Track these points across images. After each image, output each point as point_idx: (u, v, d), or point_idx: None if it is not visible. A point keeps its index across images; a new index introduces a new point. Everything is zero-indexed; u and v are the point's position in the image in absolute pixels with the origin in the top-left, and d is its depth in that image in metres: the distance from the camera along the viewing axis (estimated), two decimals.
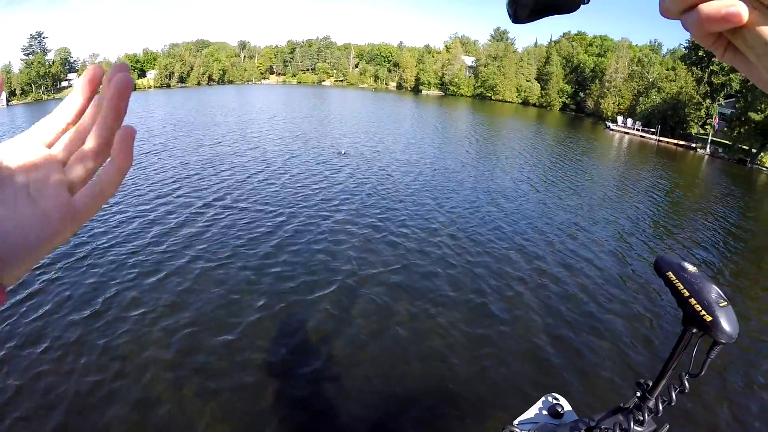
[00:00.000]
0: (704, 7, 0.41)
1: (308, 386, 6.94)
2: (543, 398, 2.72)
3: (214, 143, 26.02)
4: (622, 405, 2.34)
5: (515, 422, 2.58)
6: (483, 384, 7.21)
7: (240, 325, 8.20)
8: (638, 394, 2.23)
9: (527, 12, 0.59)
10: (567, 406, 2.63)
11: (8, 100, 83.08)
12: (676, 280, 1.89)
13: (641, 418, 2.15)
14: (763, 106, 39.18)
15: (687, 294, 1.84)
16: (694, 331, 1.88)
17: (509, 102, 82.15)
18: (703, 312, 1.78)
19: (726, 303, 1.81)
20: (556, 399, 2.67)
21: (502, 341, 8.31)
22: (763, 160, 39.53)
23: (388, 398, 6.87)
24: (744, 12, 0.40)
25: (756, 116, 39.12)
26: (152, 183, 16.97)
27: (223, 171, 19.46)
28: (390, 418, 6.50)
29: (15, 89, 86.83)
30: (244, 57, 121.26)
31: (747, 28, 0.42)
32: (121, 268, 10.09)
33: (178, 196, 15.35)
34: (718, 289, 1.84)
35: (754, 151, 40.47)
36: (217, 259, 10.59)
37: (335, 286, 9.78)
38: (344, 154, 24.59)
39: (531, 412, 2.66)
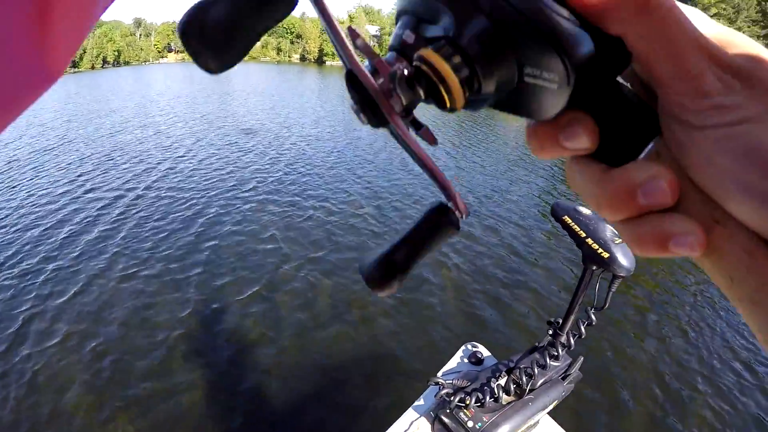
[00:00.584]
0: (648, 234, 0.30)
1: (247, 390, 6.87)
2: (463, 347, 2.80)
3: (115, 132, 24.55)
4: (537, 344, 2.45)
5: (439, 374, 2.66)
6: (405, 346, 7.36)
7: (167, 339, 7.85)
8: (550, 332, 2.35)
9: None
10: (486, 352, 2.73)
11: None
12: (572, 223, 1.96)
13: (556, 353, 2.28)
14: None
15: (584, 235, 1.91)
16: (594, 268, 1.98)
17: None
18: (600, 250, 1.87)
19: (620, 240, 1.89)
20: (476, 347, 2.77)
21: (420, 303, 8.49)
22: None
23: (313, 379, 6.91)
24: (701, 242, 0.29)
25: None
26: (51, 183, 15.72)
27: (127, 162, 18.09)
28: (317, 398, 6.55)
29: None
30: (140, 35, 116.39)
31: (706, 255, 0.31)
32: (27, 287, 9.28)
33: (79, 196, 14.11)
34: (612, 228, 1.92)
35: None
36: (134, 263, 9.92)
37: (264, 276, 9.62)
38: (251, 131, 24.02)
39: (453, 362, 2.74)
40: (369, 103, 0.37)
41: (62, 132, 25.24)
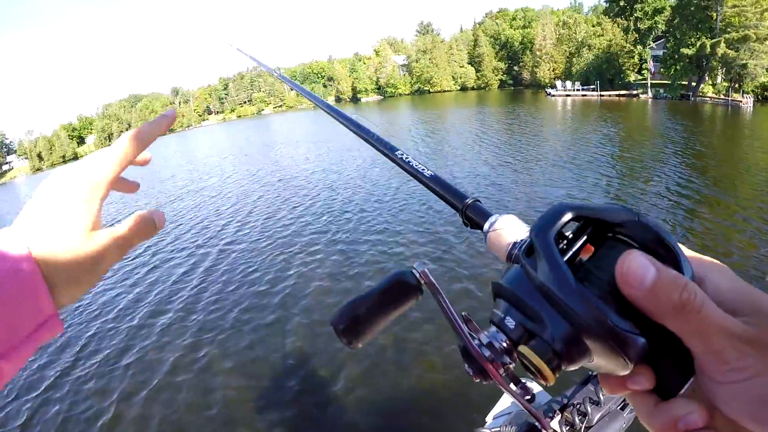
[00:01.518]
0: None
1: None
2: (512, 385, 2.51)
3: (173, 199, 24.55)
4: (591, 373, 2.17)
5: (488, 417, 2.40)
6: (451, 389, 7.04)
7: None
8: None
9: None
10: (537, 388, 2.44)
11: None
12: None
13: None
14: (693, 40, 40.48)
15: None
16: None
17: (448, 91, 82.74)
18: None
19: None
20: (526, 383, 2.49)
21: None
22: (704, 90, 40.59)
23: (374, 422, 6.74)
24: None
25: (688, 51, 40.15)
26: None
27: (188, 230, 18.03)
28: None
29: None
30: (180, 102, 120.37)
31: None
32: (114, 367, 9.10)
33: (148, 272, 14.07)
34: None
35: (693, 84, 41.47)
36: (220, 338, 9.56)
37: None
38: (297, 183, 23.81)
39: (503, 403, 2.49)
40: (481, 369, 0.52)
41: (117, 208, 24.96)
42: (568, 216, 0.49)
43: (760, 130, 25.61)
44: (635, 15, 52.94)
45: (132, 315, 11.20)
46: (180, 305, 11.18)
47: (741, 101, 35.45)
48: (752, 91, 36.87)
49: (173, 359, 8.93)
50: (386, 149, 0.98)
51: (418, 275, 0.60)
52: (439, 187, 0.81)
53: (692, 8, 41.22)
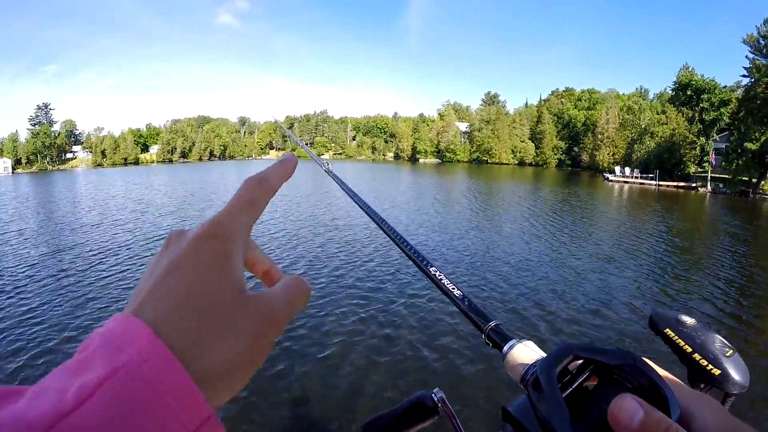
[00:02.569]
0: None
1: None
2: None
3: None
4: None
5: None
6: None
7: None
8: None
9: None
10: None
11: (13, 168, 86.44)
12: (675, 337, 1.34)
13: None
14: (757, 134, 39.82)
15: (690, 350, 1.24)
16: (702, 386, 1.42)
17: (505, 164, 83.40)
18: (710, 366, 1.20)
19: (732, 351, 1.37)
20: None
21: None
22: (765, 188, 40.02)
23: None
24: None
25: (751, 146, 39.73)
26: None
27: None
28: None
29: (21, 158, 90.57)
30: (245, 133, 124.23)
31: None
32: None
33: None
34: (721, 338, 1.36)
35: (754, 181, 40.98)
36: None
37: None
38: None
39: None
40: None
41: (174, 221, 25.30)
42: (570, 357, 0.55)
43: None
44: (701, 105, 52.20)
45: None
46: None
47: None
48: None
49: None
50: (423, 265, 1.01)
51: (436, 399, 0.71)
52: (466, 306, 0.87)
53: (758, 102, 40.14)
